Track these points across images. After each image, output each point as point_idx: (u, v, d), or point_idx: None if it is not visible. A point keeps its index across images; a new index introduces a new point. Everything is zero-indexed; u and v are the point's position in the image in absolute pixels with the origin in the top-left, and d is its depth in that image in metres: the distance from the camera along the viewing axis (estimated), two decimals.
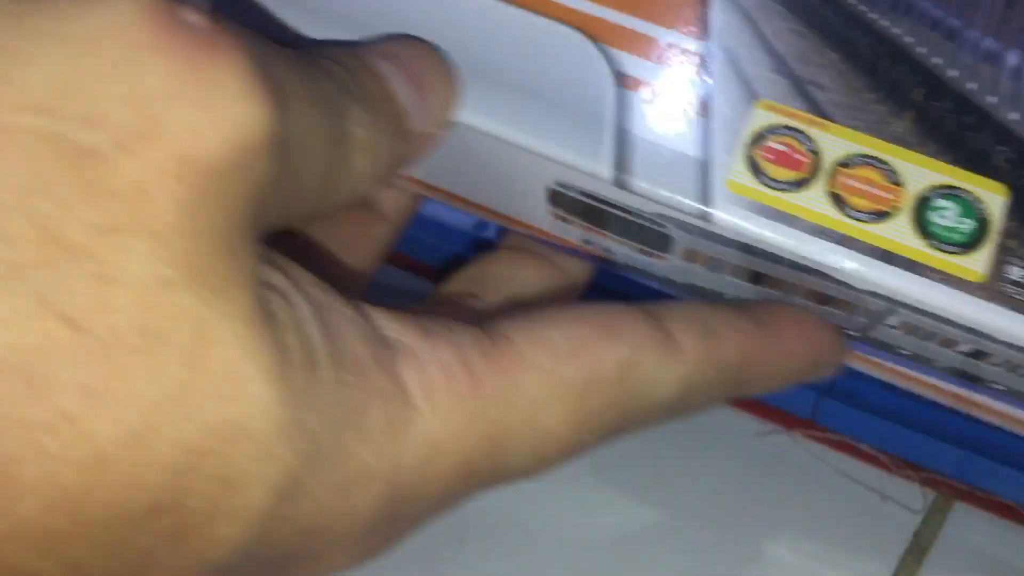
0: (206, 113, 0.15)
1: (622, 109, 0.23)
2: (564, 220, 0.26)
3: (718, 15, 0.24)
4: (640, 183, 0.23)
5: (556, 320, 0.21)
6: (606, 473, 0.33)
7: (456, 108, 0.23)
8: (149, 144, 0.15)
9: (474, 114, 0.23)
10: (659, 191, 0.23)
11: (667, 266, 0.26)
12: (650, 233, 0.25)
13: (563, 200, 0.25)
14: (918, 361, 0.26)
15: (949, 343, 0.24)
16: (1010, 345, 0.22)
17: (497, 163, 0.24)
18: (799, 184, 0.23)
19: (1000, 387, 0.25)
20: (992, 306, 0.22)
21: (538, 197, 0.25)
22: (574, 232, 0.26)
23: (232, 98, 0.15)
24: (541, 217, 0.26)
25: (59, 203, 0.14)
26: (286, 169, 0.17)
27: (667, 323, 0.22)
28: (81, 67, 0.15)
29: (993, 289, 0.22)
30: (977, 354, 0.23)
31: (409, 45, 0.22)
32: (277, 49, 0.17)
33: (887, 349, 0.26)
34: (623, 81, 0.23)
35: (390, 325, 0.19)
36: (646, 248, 0.26)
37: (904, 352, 0.25)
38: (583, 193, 0.24)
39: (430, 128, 0.22)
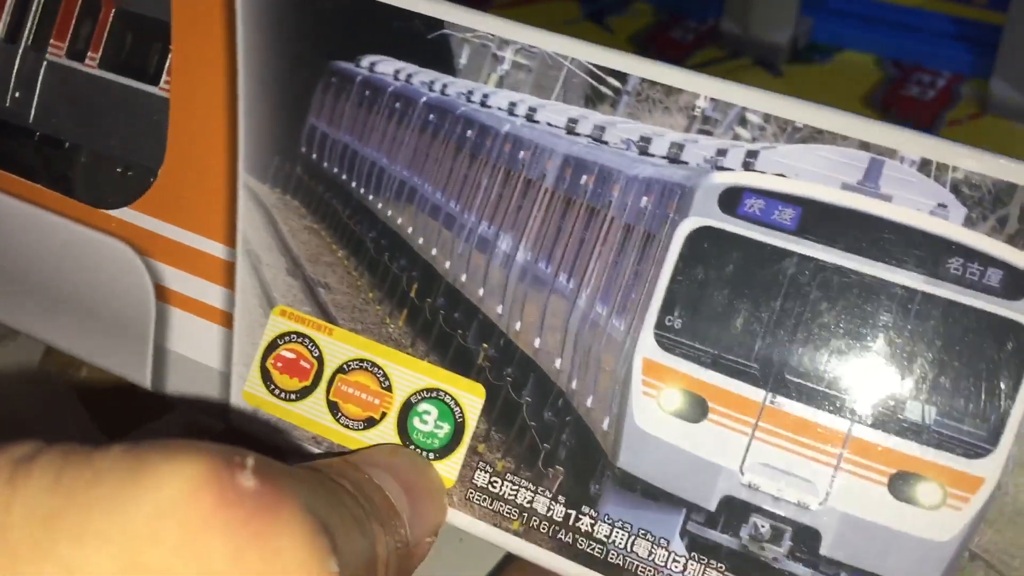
0: None
1: (160, 323, 0.25)
2: None
3: (244, 218, 0.25)
4: (174, 395, 0.25)
5: None
6: None
7: (444, 515, 0.23)
8: None
9: (31, 323, 0.26)
10: (189, 402, 0.25)
11: None
12: None
13: None
14: None
15: None
16: None
17: None
18: (303, 393, 0.24)
19: None
20: (460, 514, 0.23)
21: None
22: None
23: (298, 565, 0.16)
24: None
25: None
26: None
27: None
28: (143, 556, 0.15)
29: (462, 496, 0.23)
30: None
31: (398, 454, 0.23)
32: (311, 482, 0.18)
33: None
34: (162, 294, 0.26)
35: None
36: None
37: None
38: None
39: (426, 537, 0.22)
